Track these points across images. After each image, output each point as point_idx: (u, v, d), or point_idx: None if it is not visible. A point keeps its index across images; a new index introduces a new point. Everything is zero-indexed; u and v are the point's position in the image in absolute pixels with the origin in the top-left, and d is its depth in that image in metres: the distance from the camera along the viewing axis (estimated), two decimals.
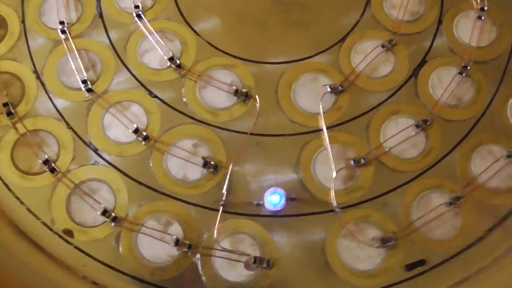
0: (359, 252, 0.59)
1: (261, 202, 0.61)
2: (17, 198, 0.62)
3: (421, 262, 0.59)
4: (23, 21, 0.69)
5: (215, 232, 0.59)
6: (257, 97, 0.65)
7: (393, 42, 0.67)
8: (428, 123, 0.63)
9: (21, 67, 0.67)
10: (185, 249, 0.59)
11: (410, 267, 0.58)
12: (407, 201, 0.61)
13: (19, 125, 0.64)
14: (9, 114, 0.64)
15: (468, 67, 0.66)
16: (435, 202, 0.61)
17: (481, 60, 0.67)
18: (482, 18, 0.68)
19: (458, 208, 0.60)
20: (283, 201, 0.60)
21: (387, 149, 0.63)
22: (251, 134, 0.63)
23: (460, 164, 0.62)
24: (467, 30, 0.68)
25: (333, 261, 0.59)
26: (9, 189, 0.62)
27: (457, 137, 0.64)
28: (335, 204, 0.60)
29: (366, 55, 0.66)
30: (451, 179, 0.62)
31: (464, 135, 0.64)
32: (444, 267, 0.59)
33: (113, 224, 0.60)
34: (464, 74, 0.65)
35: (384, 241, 0.59)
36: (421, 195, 0.61)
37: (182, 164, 0.62)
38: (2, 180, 0.62)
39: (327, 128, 0.63)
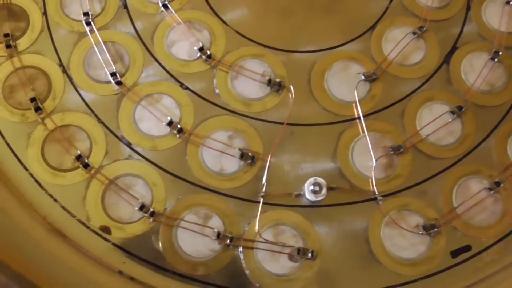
0: (402, 240, 0.59)
1: (301, 193, 0.60)
2: (50, 195, 0.60)
3: (466, 248, 0.59)
4: (44, 13, 0.67)
5: (257, 223, 0.58)
6: (291, 87, 0.64)
7: (424, 28, 0.67)
8: (463, 109, 0.63)
9: (46, 60, 0.65)
10: (227, 242, 0.58)
11: (455, 253, 0.58)
12: (447, 188, 0.61)
13: (47, 121, 0.62)
14: (36, 109, 0.62)
15: (500, 53, 0.66)
16: (474, 188, 0.61)
17: None
18: (511, 3, 0.68)
19: (498, 193, 0.61)
20: (324, 191, 0.60)
21: (423, 137, 0.62)
22: (286, 124, 0.63)
23: (496, 150, 0.63)
24: (496, 15, 0.68)
25: (377, 250, 0.59)
26: (41, 186, 0.60)
27: (491, 123, 0.64)
28: (377, 192, 0.60)
29: (398, 42, 0.66)
30: (488, 165, 0.62)
31: (498, 121, 0.64)
32: (488, 253, 0.59)
33: (151, 219, 0.59)
34: (496, 60, 0.66)
35: (427, 228, 0.59)
36: (460, 181, 0.61)
37: (218, 157, 0.61)
38: (34, 178, 0.60)
39: (363, 116, 0.63)
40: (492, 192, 0.60)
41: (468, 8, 0.69)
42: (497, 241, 0.59)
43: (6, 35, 0.66)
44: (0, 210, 0.59)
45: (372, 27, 0.68)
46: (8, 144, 0.62)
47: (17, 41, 0.66)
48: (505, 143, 0.63)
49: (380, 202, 0.60)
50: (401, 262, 0.58)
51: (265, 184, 0.60)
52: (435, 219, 0.59)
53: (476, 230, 0.59)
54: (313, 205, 0.60)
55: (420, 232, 0.59)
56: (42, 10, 0.67)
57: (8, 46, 0.65)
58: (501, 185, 0.60)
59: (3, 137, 0.62)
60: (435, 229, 0.59)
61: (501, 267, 0.59)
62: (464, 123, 0.63)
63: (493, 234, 0.59)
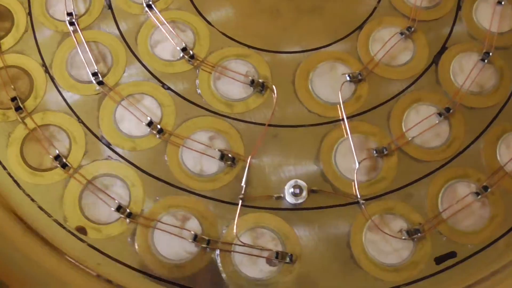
0: (385, 245, 0.57)
1: (281, 195, 0.59)
2: (28, 195, 0.59)
3: (451, 255, 0.57)
4: (29, 13, 0.67)
5: (235, 226, 0.57)
6: (274, 87, 0.63)
7: (412, 29, 0.65)
8: (451, 111, 0.62)
9: (29, 60, 0.65)
10: (204, 245, 0.57)
11: (440, 259, 0.56)
12: (432, 192, 0.59)
13: (28, 120, 0.62)
14: (17, 109, 0.62)
15: (490, 53, 0.64)
16: (461, 192, 0.59)
17: (503, 46, 0.65)
18: (502, 3, 0.67)
19: (486, 198, 0.58)
20: (304, 193, 0.58)
21: (409, 139, 0.61)
22: (268, 125, 0.61)
23: (485, 153, 0.61)
24: (487, 15, 0.66)
25: (359, 255, 0.57)
26: (19, 186, 0.60)
27: (481, 125, 0.62)
28: (359, 195, 0.58)
29: (385, 42, 0.65)
30: (477, 168, 0.60)
31: (488, 123, 0.62)
32: (474, 260, 0.57)
33: (128, 220, 0.58)
34: (486, 61, 0.64)
35: (411, 233, 0.57)
36: (447, 185, 0.59)
37: (198, 158, 0.60)
38: (12, 177, 0.60)
39: (347, 118, 0.61)
40: (479, 196, 0.58)
41: (459, 7, 0.67)
42: (484, 248, 0.57)
43: None
44: None
45: (360, 27, 0.66)
46: None
47: (1, 41, 0.65)
48: (495, 146, 0.61)
49: (363, 206, 0.58)
50: (384, 268, 0.57)
51: (244, 185, 0.59)
52: (420, 223, 0.58)
53: (462, 236, 0.57)
54: (294, 208, 0.59)
55: (403, 237, 0.57)
56: (27, 10, 0.67)
57: None
58: (489, 189, 0.58)
59: None
60: (419, 234, 0.57)
61: (485, 275, 0.57)
62: (452, 125, 0.62)
63: (479, 240, 0.57)
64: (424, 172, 0.60)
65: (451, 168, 0.60)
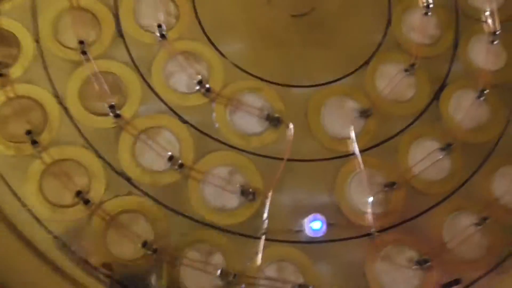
0: (397, 275, 0.62)
1: (301, 229, 0.62)
2: (50, 232, 0.59)
3: (456, 281, 0.62)
4: (37, 40, 0.65)
5: (259, 260, 0.60)
6: (291, 124, 0.65)
7: (415, 66, 0.69)
8: (453, 145, 0.66)
9: (40, 91, 0.63)
10: (230, 279, 0.59)
11: (446, 286, 0.62)
12: (437, 223, 0.64)
13: (44, 155, 0.61)
14: (33, 142, 0.61)
15: (486, 91, 0.69)
16: (463, 223, 0.64)
17: (495, 83, 0.70)
18: (495, 42, 0.72)
19: (485, 228, 0.64)
20: (324, 227, 0.61)
21: (416, 173, 0.65)
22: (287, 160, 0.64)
23: (483, 185, 0.66)
24: (481, 54, 0.71)
25: (374, 285, 0.61)
26: (39, 222, 0.59)
27: (477, 159, 0.67)
28: (373, 228, 0.62)
29: (391, 78, 0.68)
30: (476, 200, 0.65)
31: (484, 157, 0.67)
32: (477, 285, 0.62)
33: (154, 256, 0.59)
34: (481, 98, 0.69)
35: (420, 263, 0.62)
36: (450, 216, 0.64)
37: (219, 192, 0.62)
38: (32, 213, 0.59)
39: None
40: (479, 227, 0.64)
41: (456, 45, 0.72)
42: (486, 274, 0.63)
43: None
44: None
45: (366, 62, 0.69)
46: (3, 179, 0.60)
47: (9, 70, 0.64)
48: (491, 179, 0.66)
49: (376, 238, 0.62)
50: None
51: (266, 220, 0.61)
52: (427, 253, 0.62)
53: (465, 264, 0.63)
54: (311, 241, 0.62)
55: (414, 267, 0.62)
56: (35, 37, 0.66)
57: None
58: (488, 219, 0.64)
59: None
60: (428, 263, 0.62)
61: None
62: (452, 160, 0.66)
63: (481, 266, 0.63)
64: (429, 205, 0.64)
65: (453, 200, 0.65)
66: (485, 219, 0.64)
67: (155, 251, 0.59)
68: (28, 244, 0.59)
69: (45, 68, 0.65)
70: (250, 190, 0.62)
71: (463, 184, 0.66)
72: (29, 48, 0.65)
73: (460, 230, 0.63)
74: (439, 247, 0.63)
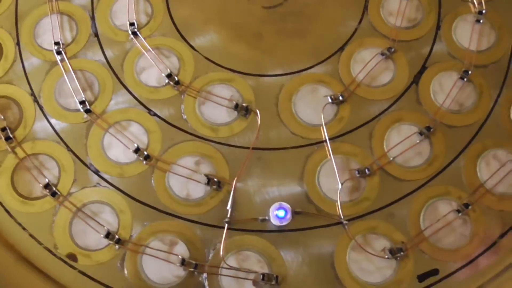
0: (369, 264, 0.58)
1: (266, 218, 0.60)
2: (19, 223, 0.61)
3: (434, 272, 0.58)
4: (17, 43, 0.69)
5: (221, 250, 0.58)
6: (258, 111, 0.64)
7: (392, 49, 0.66)
8: (432, 130, 0.63)
9: (17, 90, 0.66)
10: (191, 269, 0.58)
11: (422, 277, 0.58)
12: (414, 210, 0.60)
13: (18, 150, 0.63)
14: (7, 139, 0.63)
15: (469, 72, 0.65)
16: (442, 210, 0.60)
17: (482, 64, 0.66)
18: (481, 21, 0.68)
19: (467, 215, 0.60)
20: (288, 216, 0.59)
21: (391, 159, 0.62)
22: (253, 148, 0.63)
23: (466, 171, 0.62)
24: (466, 34, 0.68)
25: (343, 275, 0.58)
26: (10, 215, 0.61)
27: (461, 143, 0.63)
28: (342, 216, 0.59)
29: (366, 63, 0.66)
30: (458, 186, 0.61)
31: (468, 141, 0.63)
32: (456, 277, 0.58)
33: (117, 246, 0.59)
34: (465, 79, 0.65)
35: (393, 252, 0.58)
36: (428, 203, 0.60)
37: (185, 182, 0.62)
38: (3, 206, 0.61)
39: (330, 139, 0.63)
40: (460, 214, 0.59)
41: (438, 27, 0.68)
42: (466, 264, 0.58)
43: None
44: None
45: (341, 49, 0.68)
46: None
47: None
48: (475, 164, 0.62)
49: (346, 226, 0.59)
50: (367, 287, 0.58)
51: (230, 209, 0.60)
52: (402, 242, 0.59)
53: (444, 253, 0.58)
54: (279, 230, 0.60)
55: (386, 256, 0.58)
56: (15, 40, 0.69)
57: None
58: (470, 207, 0.60)
59: None
60: (402, 253, 0.58)
61: None
62: (433, 144, 0.63)
63: (461, 257, 0.58)
64: (406, 191, 0.61)
65: (432, 186, 0.61)
66: (466, 205, 0.60)
67: (118, 241, 0.59)
68: None
69: (24, 69, 0.67)
70: (215, 179, 0.61)
71: (443, 169, 0.62)
72: (10, 51, 0.68)
73: (439, 217, 0.59)
74: (415, 236, 0.59)
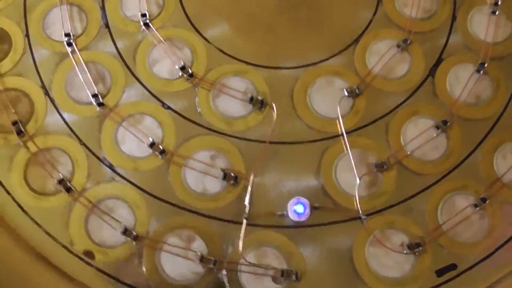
0: (387, 259, 0.58)
1: (284, 213, 0.60)
2: (33, 220, 0.60)
3: (452, 267, 0.58)
4: (27, 35, 0.67)
5: (241, 246, 0.58)
6: (274, 104, 0.63)
7: (408, 41, 0.66)
8: (448, 124, 0.62)
9: (28, 83, 0.65)
10: (211, 266, 0.58)
11: (441, 272, 0.58)
12: (432, 205, 0.60)
13: (30, 144, 0.62)
14: (19, 132, 0.62)
15: (485, 64, 0.65)
16: (460, 204, 0.60)
17: (498, 56, 0.66)
18: (496, 13, 0.67)
19: (484, 210, 0.60)
20: (307, 211, 0.59)
21: (408, 152, 0.62)
22: (270, 142, 0.62)
23: (483, 164, 0.62)
24: (482, 26, 0.67)
25: (362, 270, 0.58)
26: (24, 211, 0.60)
27: (478, 137, 0.63)
28: (360, 211, 0.59)
29: (382, 55, 0.65)
30: (475, 180, 0.61)
31: (485, 134, 0.63)
32: (475, 271, 0.58)
33: (134, 243, 0.59)
34: (481, 72, 0.64)
35: (412, 247, 0.58)
36: (446, 197, 0.60)
37: (201, 177, 0.61)
38: (16, 202, 0.60)
39: (346, 133, 0.62)
40: (478, 208, 0.59)
41: (454, 18, 0.68)
42: (484, 258, 0.58)
43: None
44: None
45: (356, 41, 0.67)
46: None
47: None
48: (492, 157, 0.62)
49: (364, 221, 0.59)
50: (386, 282, 0.58)
51: (248, 205, 0.60)
52: (421, 237, 0.59)
53: (462, 248, 0.59)
54: (297, 225, 0.60)
55: (405, 252, 0.58)
56: (25, 32, 0.67)
57: None
58: (487, 201, 0.60)
59: None
60: (420, 247, 0.58)
61: (491, 283, 0.58)
62: (450, 138, 0.63)
63: (479, 251, 0.59)
64: (423, 185, 0.61)
65: (449, 180, 0.61)
66: (484, 200, 0.60)
67: (136, 237, 0.59)
68: (12, 232, 0.59)
69: (34, 61, 0.66)
70: (232, 174, 0.61)
71: (461, 163, 0.62)
72: (19, 42, 0.67)
73: (456, 211, 0.59)
74: (433, 230, 0.59)
